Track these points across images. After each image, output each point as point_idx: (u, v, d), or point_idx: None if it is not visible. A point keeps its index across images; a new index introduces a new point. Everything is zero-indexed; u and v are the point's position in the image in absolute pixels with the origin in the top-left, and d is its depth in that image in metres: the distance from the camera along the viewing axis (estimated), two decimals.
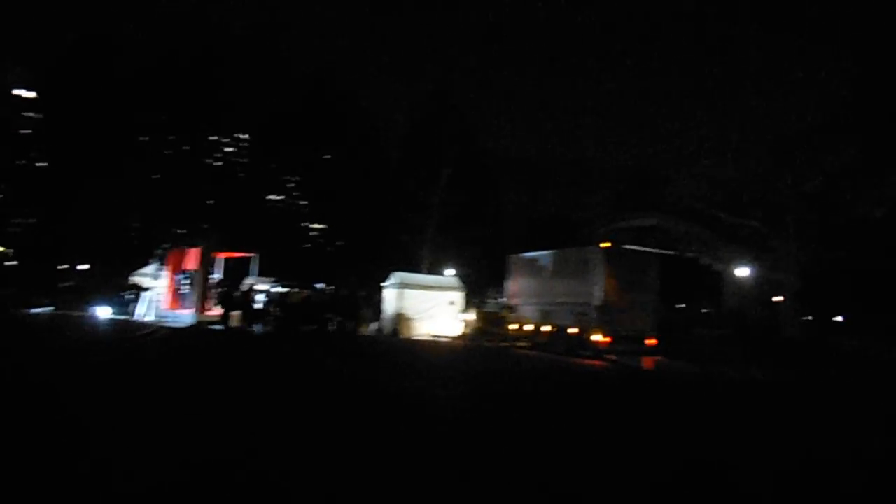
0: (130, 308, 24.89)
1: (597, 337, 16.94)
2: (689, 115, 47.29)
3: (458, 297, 23.04)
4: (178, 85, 44.45)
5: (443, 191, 45.20)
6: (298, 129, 46.30)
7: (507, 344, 18.36)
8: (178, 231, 36.68)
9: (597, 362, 16.29)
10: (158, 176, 44.99)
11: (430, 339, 22.09)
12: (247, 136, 48.40)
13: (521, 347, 18.52)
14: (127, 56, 45.71)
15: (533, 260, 19.97)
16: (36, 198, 50.68)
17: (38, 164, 50.04)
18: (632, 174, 48.29)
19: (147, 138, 46.54)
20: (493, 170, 50.86)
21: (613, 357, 16.69)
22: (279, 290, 19.20)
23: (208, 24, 47.45)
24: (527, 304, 19.23)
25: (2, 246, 57.37)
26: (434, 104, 47.09)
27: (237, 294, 20.35)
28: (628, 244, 31.45)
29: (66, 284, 50.28)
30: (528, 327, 19.00)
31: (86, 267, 54.22)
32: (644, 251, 19.38)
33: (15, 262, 56.09)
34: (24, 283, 43.73)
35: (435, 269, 45.98)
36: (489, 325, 18.88)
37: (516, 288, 20.10)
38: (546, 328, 18.53)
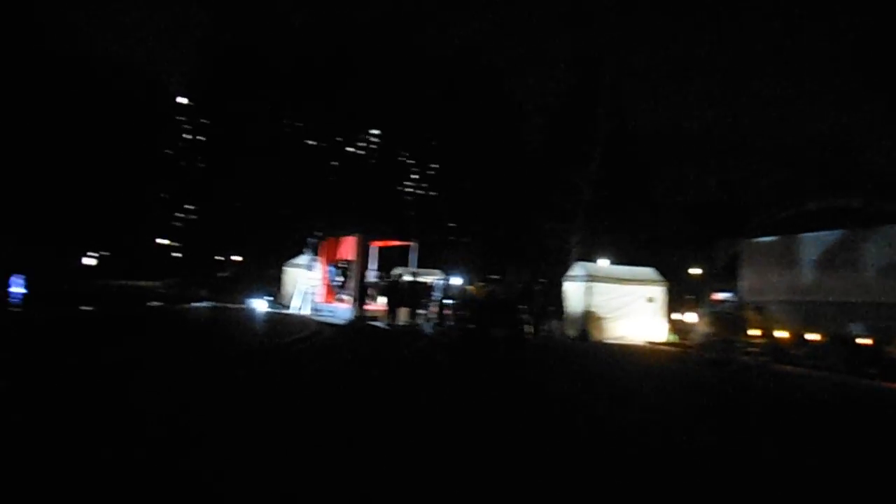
0: (286, 300, 22.37)
1: None
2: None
3: (660, 291, 18.29)
4: (316, 84, 42.63)
5: (593, 173, 39.82)
6: (436, 114, 43.09)
7: (751, 355, 13.33)
8: (329, 219, 34.29)
9: None
10: (301, 168, 43.48)
11: (644, 344, 17.50)
12: (378, 132, 46.06)
13: (774, 361, 13.49)
14: (269, 59, 44.41)
15: (787, 244, 14.73)
16: (196, 194, 51.51)
17: (197, 160, 50.56)
18: (808, 149, 40.69)
19: (290, 132, 45.48)
20: (643, 149, 44.75)
21: None
22: (453, 282, 15.46)
23: (342, 18, 45.28)
24: (777, 303, 14.10)
25: (167, 239, 59.39)
26: (584, 79, 41.65)
27: (403, 286, 16.89)
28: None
29: (223, 275, 50.68)
30: (780, 334, 13.91)
31: (239, 258, 54.76)
32: None
33: (178, 255, 57.84)
34: (185, 273, 43.94)
35: (586, 259, 41.03)
36: (723, 330, 13.96)
37: (758, 282, 14.97)
38: (813, 336, 13.40)
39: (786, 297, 13.95)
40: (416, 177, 47.14)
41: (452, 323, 13.59)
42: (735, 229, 39.60)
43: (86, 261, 52.65)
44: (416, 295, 16.54)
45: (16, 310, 14.06)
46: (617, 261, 42.46)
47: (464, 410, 7.00)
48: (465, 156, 43.17)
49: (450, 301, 14.75)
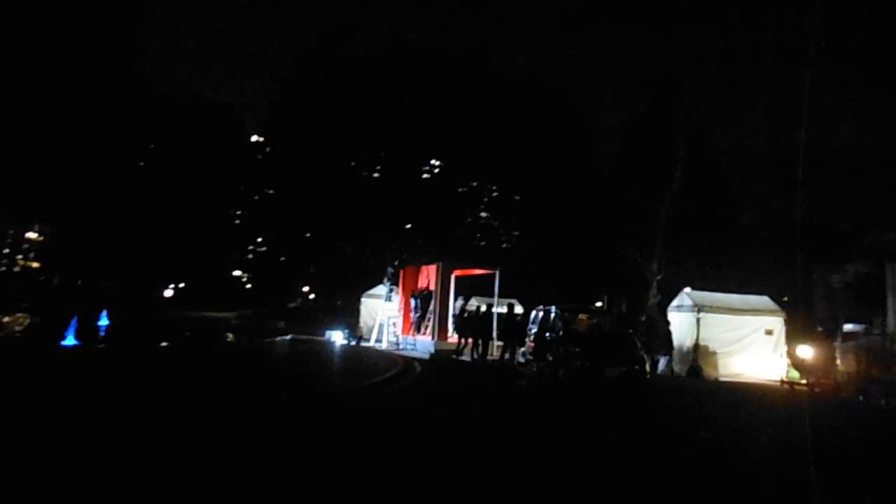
0: (364, 333, 21.32)
1: None
2: None
3: (778, 323, 16.14)
4: (386, 113, 42.41)
5: (673, 197, 37.46)
6: (508, 139, 41.97)
7: None
8: (404, 248, 33.45)
9: None
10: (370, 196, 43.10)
11: (770, 383, 15.39)
12: (439, 163, 45.31)
13: None
14: (340, 91, 44.57)
15: None
16: (268, 227, 52.09)
17: (268, 193, 51.14)
18: None
19: (360, 163, 45.38)
20: (726, 170, 42.15)
21: None
22: (551, 311, 13.87)
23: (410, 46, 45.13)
24: None
25: (240, 270, 60.34)
26: (660, 99, 39.69)
27: (490, 317, 15.44)
28: None
29: (294, 305, 50.65)
30: None
31: (307, 289, 54.81)
32: None
33: (249, 286, 58.55)
34: (257, 305, 44.02)
35: (668, 289, 38.49)
36: (871, 368, 11.83)
37: None
38: None
39: None
40: (488, 203, 46.02)
41: (553, 359, 11.97)
42: (830, 254, 36.15)
43: (166, 293, 54.00)
44: (511, 327, 15.03)
45: (99, 346, 13.49)
46: (701, 289, 39.69)
47: (593, 473, 5.53)
48: (538, 181, 41.80)
49: (549, 334, 13.11)
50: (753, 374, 15.65)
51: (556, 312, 13.45)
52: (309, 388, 9.46)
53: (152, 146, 47.49)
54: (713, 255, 37.12)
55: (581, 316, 13.18)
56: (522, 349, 15.15)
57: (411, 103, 42.17)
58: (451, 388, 11.71)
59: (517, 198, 45.60)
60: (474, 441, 6.78)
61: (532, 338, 14.41)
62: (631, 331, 14.38)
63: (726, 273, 36.02)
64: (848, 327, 15.91)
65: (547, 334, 13.17)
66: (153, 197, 43.67)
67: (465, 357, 17.45)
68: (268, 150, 51.64)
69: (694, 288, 17.75)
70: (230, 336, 19.27)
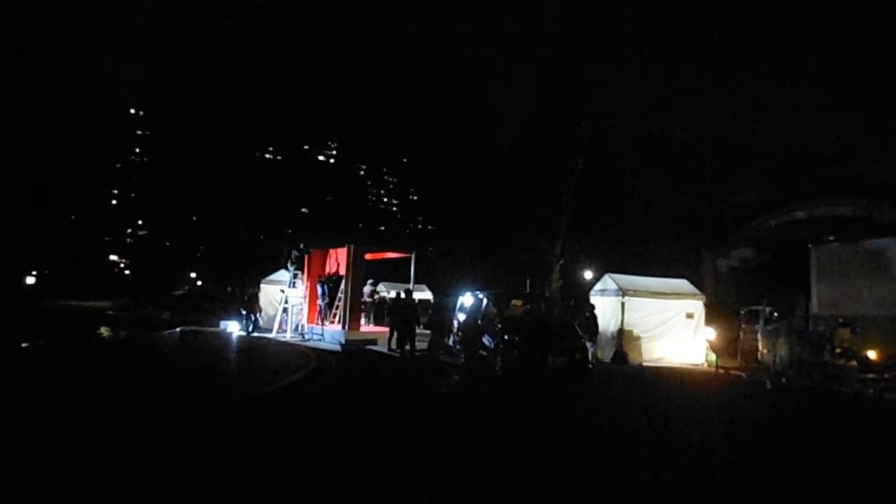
0: (252, 322, 19.10)
1: None
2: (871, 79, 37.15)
3: (698, 306, 15.95)
4: (284, 88, 39.37)
5: (575, 181, 37.62)
6: (409, 118, 40.38)
7: (863, 383, 10.92)
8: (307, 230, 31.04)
9: None
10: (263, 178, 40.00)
11: (700, 367, 15.06)
12: (336, 145, 42.91)
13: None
14: (235, 61, 40.82)
15: (875, 252, 12.49)
16: (149, 207, 47.17)
17: (149, 172, 46.26)
18: (789, 155, 39.65)
19: (255, 140, 41.97)
20: (622, 155, 43.08)
21: None
22: (482, 297, 12.54)
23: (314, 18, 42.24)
24: (866, 318, 11.85)
25: (116, 255, 54.36)
26: (563, 80, 39.59)
27: (411, 304, 13.87)
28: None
29: (179, 293, 46.30)
30: (871, 354, 11.69)
31: (194, 275, 50.41)
32: None
33: (128, 272, 52.97)
34: (137, 292, 39.71)
35: (571, 274, 38.79)
36: (807, 352, 11.59)
37: (833, 294, 12.74)
38: None
39: (879, 311, 11.78)
40: (391, 186, 44.30)
41: (490, 349, 10.66)
42: (717, 240, 37.70)
43: (27, 279, 47.41)
44: (437, 315, 13.53)
45: None
46: (599, 274, 40.34)
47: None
48: (441, 164, 40.58)
49: (481, 322, 11.79)
50: (675, 359, 15.35)
51: (488, 298, 12.22)
52: (206, 398, 7.54)
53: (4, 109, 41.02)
54: (611, 240, 37.82)
55: (515, 301, 12.03)
56: (448, 339, 13.77)
57: (309, 79, 39.43)
58: (378, 388, 10.14)
59: (419, 181, 44.30)
60: (426, 459, 5.35)
61: (459, 326, 13.13)
62: (570, 316, 13.45)
63: (625, 258, 36.79)
64: (756, 309, 16.07)
65: (479, 321, 11.92)
66: (4, 168, 37.86)
67: (381, 348, 15.93)
68: (148, 123, 46.61)
69: (611, 272, 17.21)
70: (105, 331, 16.37)
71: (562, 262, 36.98)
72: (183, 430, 5.91)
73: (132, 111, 49.45)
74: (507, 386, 9.92)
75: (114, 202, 48.72)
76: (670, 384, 12.11)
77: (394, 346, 14.41)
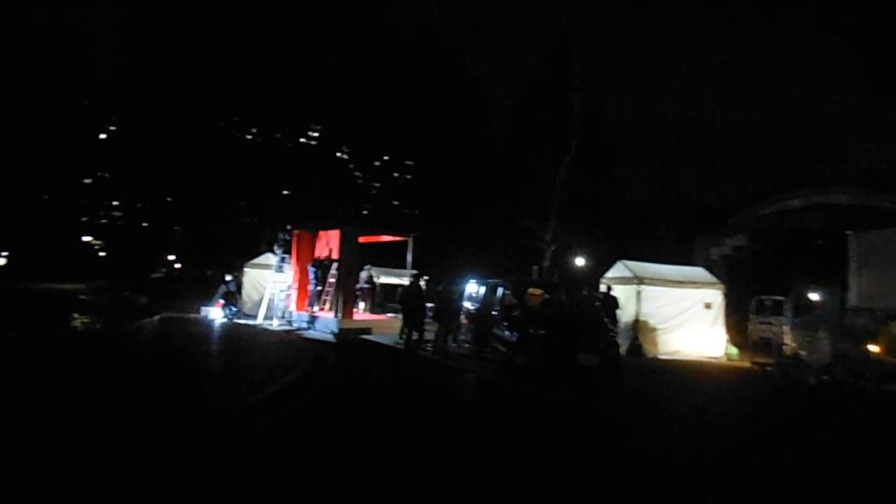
0: (235, 309, 17.57)
1: None
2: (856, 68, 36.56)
3: (717, 296, 14.84)
4: (263, 64, 37.28)
5: (567, 166, 36.28)
6: (398, 102, 38.59)
7: None
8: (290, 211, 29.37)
9: None
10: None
11: (721, 361, 13.93)
12: (319, 127, 40.87)
13: None
14: (214, 36, 38.57)
15: None
16: (126, 186, 44.86)
17: (124, 149, 43.87)
18: (783, 142, 38.90)
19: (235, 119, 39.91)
20: (613, 141, 41.91)
21: None
22: (498, 286, 11.15)
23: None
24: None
25: (90, 236, 51.82)
26: (555, 63, 38.17)
27: (417, 292, 12.30)
28: None
29: (157, 276, 44.26)
30: None
31: (173, 258, 48.28)
32: None
33: (103, 253, 50.58)
34: (112, 274, 37.68)
35: (561, 262, 37.57)
36: (853, 348, 10.53)
37: (875, 285, 11.69)
38: None
39: None
40: (377, 170, 42.59)
41: (513, 344, 9.26)
42: (709, 228, 36.83)
43: None
44: (447, 304, 11.99)
45: None
46: (595, 260, 39.04)
47: None
48: (430, 146, 38.96)
49: (496, 313, 10.42)
50: (692, 351, 14.26)
51: (505, 287, 10.89)
52: (191, 409, 6.12)
53: None
54: (603, 226, 36.80)
55: (532, 290, 10.74)
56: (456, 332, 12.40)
57: (291, 56, 37.44)
58: (387, 391, 8.76)
59: (405, 164, 42.66)
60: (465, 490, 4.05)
61: (469, 317, 11.80)
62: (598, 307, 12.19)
63: (616, 244, 35.78)
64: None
65: (492, 312, 10.61)
66: None
67: (375, 338, 14.58)
68: (123, 101, 44.07)
69: (627, 259, 15.95)
70: (78, 320, 14.62)
71: (553, 247, 35.66)
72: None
73: (107, 88, 46.90)
74: (532, 385, 8.63)
75: (87, 181, 46.28)
76: (705, 382, 11.01)
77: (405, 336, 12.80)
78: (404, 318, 11.96)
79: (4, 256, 45.27)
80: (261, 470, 4.43)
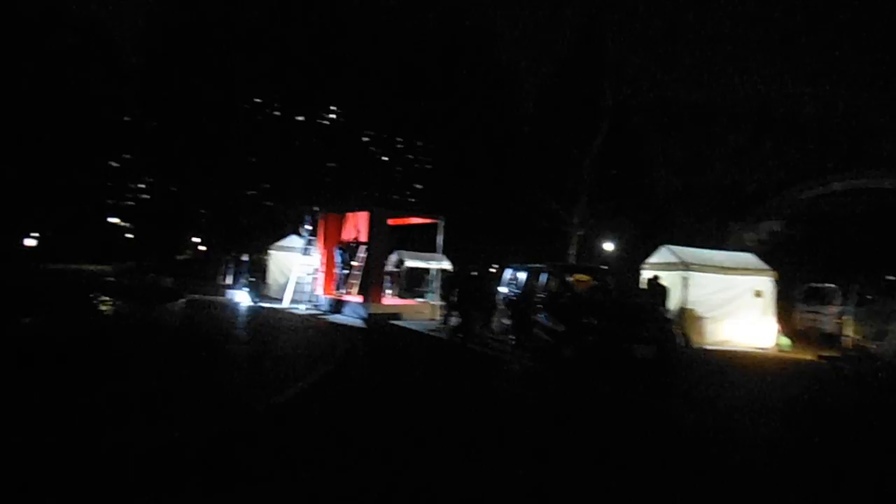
0: (272, 292, 17.09)
1: None
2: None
3: (768, 283, 13.89)
4: (293, 47, 36.48)
5: (597, 150, 35.02)
6: (426, 83, 37.61)
7: None
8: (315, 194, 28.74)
9: None
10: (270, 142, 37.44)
11: (774, 352, 13.05)
12: (338, 110, 39.92)
13: None
14: (243, 20, 37.77)
15: None
16: (152, 168, 44.73)
17: (150, 131, 43.58)
18: (821, 125, 37.17)
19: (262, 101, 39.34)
20: (644, 122, 40.32)
21: None
22: (541, 271, 10.30)
23: None
24: None
25: (118, 218, 51.96)
26: (585, 43, 36.77)
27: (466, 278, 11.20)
28: None
29: (183, 258, 44.24)
30: None
31: (198, 240, 48.24)
32: None
33: (130, 235, 50.72)
34: (139, 256, 37.60)
35: (590, 247, 36.46)
36: None
37: None
38: None
39: None
40: (399, 151, 41.67)
41: (561, 334, 8.36)
42: (744, 213, 35.23)
43: (27, 241, 45.19)
44: (480, 290, 11.00)
45: None
46: (623, 246, 37.75)
47: None
48: (456, 127, 37.92)
49: (539, 301, 9.57)
50: (740, 342, 13.35)
51: (548, 272, 10.08)
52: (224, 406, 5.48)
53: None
54: (635, 209, 35.68)
55: (578, 276, 9.92)
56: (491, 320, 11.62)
57: (319, 36, 36.63)
58: (432, 387, 8.04)
59: (431, 145, 41.78)
60: None
61: (507, 304, 11.04)
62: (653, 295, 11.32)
63: (645, 228, 34.67)
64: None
65: (534, 300, 9.82)
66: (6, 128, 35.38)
67: (406, 323, 13.93)
68: (149, 82, 43.69)
69: (670, 244, 15.00)
70: (105, 303, 14.10)
71: (580, 232, 34.52)
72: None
73: (134, 71, 46.55)
74: (583, 379, 7.86)
75: (114, 164, 46.22)
76: (772, 377, 10.13)
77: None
78: (458, 307, 10.68)
79: (34, 237, 45.63)
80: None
